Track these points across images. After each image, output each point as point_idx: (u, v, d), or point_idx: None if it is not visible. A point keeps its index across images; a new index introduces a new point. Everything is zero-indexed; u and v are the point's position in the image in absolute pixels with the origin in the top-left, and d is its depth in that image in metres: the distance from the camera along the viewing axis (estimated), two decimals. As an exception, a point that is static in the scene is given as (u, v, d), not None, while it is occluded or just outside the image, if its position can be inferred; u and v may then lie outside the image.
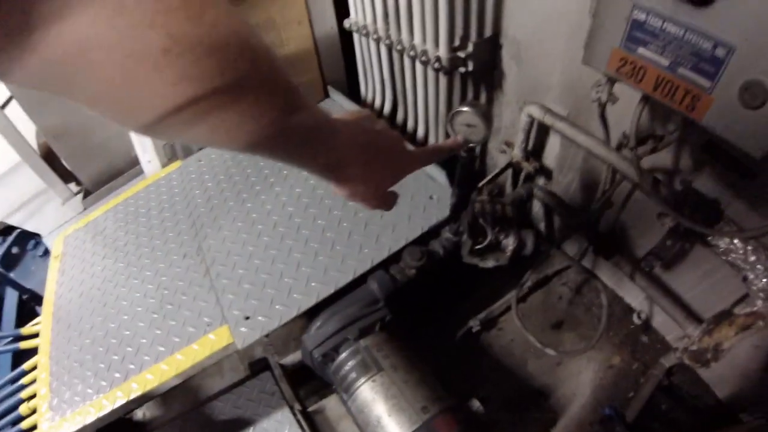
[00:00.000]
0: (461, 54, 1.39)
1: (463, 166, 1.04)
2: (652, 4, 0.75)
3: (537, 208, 1.61)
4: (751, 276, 1.01)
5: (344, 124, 0.51)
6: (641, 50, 0.82)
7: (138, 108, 0.32)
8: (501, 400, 1.45)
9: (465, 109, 0.91)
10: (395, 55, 1.67)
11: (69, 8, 0.27)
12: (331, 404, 1.37)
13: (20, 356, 1.73)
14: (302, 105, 0.41)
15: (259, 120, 0.35)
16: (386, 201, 0.62)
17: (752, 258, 1.00)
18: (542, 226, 1.64)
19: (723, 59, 0.71)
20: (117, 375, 1.27)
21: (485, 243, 0.97)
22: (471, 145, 0.92)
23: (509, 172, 1.51)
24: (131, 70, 0.30)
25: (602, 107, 1.05)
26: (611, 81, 0.97)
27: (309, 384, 1.48)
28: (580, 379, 1.49)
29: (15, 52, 0.28)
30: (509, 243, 0.98)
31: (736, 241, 1.00)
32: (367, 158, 0.54)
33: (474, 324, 1.52)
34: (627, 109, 0.98)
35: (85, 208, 2.17)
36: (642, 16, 0.79)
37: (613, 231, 1.42)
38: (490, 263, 1.00)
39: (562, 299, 1.62)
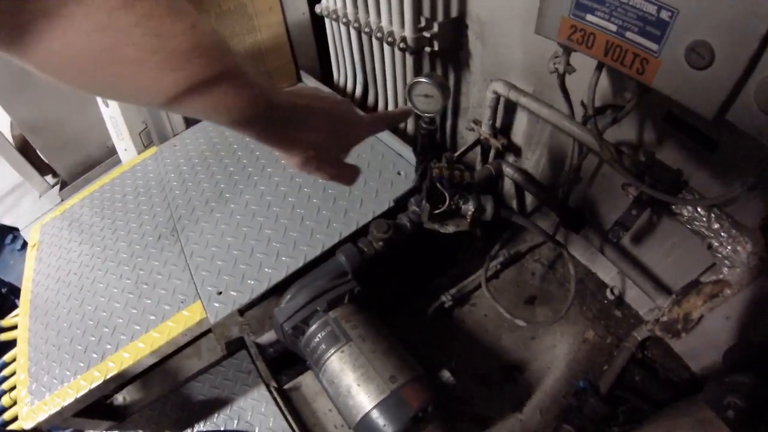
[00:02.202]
0: (426, 34, 1.41)
1: (424, 137, 1.06)
2: (596, -30, 0.77)
3: (508, 185, 1.63)
4: (715, 243, 1.02)
5: (290, 94, 0.50)
6: (589, 17, 0.84)
7: (145, 95, 0.39)
8: (475, 374, 1.46)
9: (422, 80, 0.93)
10: (364, 38, 1.69)
11: (58, 17, 0.31)
12: (307, 381, 1.39)
13: (1, 349, 1.73)
14: (270, 89, 0.46)
15: (240, 103, 0.43)
16: (344, 172, 0.59)
17: (716, 225, 1.01)
18: (514, 203, 1.66)
19: (668, 22, 0.72)
20: (94, 355, 1.27)
21: (444, 208, 0.99)
22: (429, 115, 0.94)
23: (478, 149, 1.53)
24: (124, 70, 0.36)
25: (561, 78, 1.07)
26: (567, 51, 0.99)
27: (290, 370, 1.49)
28: (554, 352, 1.51)
29: (14, 55, 0.34)
30: (469, 208, 1.00)
31: (699, 209, 1.01)
32: (317, 122, 0.52)
33: (446, 299, 1.54)
34: (588, 82, 1.00)
35: (62, 200, 2.16)
36: (588, -17, 0.81)
37: (582, 206, 1.45)
38: (450, 228, 1.01)
39: (535, 275, 1.64)
